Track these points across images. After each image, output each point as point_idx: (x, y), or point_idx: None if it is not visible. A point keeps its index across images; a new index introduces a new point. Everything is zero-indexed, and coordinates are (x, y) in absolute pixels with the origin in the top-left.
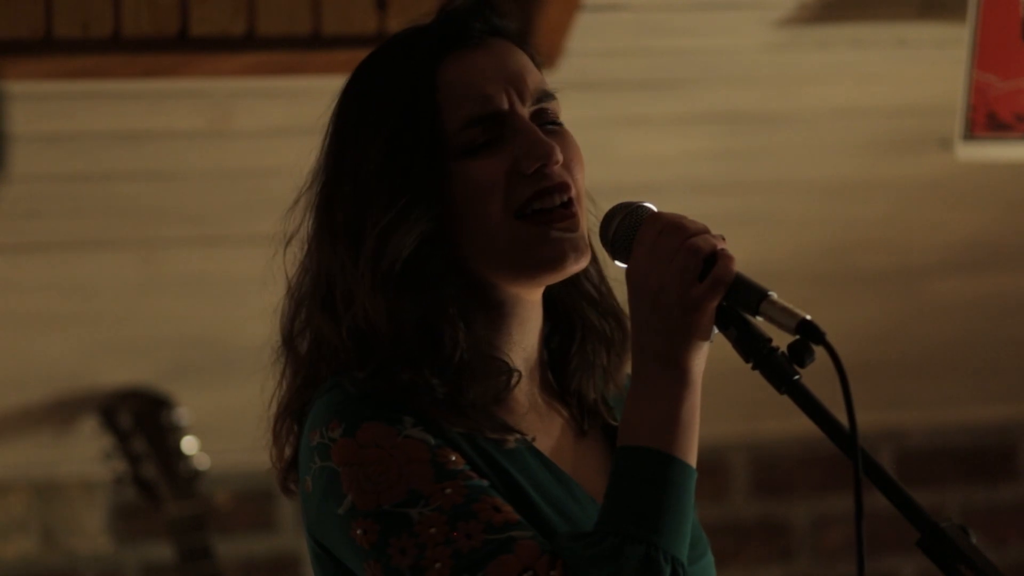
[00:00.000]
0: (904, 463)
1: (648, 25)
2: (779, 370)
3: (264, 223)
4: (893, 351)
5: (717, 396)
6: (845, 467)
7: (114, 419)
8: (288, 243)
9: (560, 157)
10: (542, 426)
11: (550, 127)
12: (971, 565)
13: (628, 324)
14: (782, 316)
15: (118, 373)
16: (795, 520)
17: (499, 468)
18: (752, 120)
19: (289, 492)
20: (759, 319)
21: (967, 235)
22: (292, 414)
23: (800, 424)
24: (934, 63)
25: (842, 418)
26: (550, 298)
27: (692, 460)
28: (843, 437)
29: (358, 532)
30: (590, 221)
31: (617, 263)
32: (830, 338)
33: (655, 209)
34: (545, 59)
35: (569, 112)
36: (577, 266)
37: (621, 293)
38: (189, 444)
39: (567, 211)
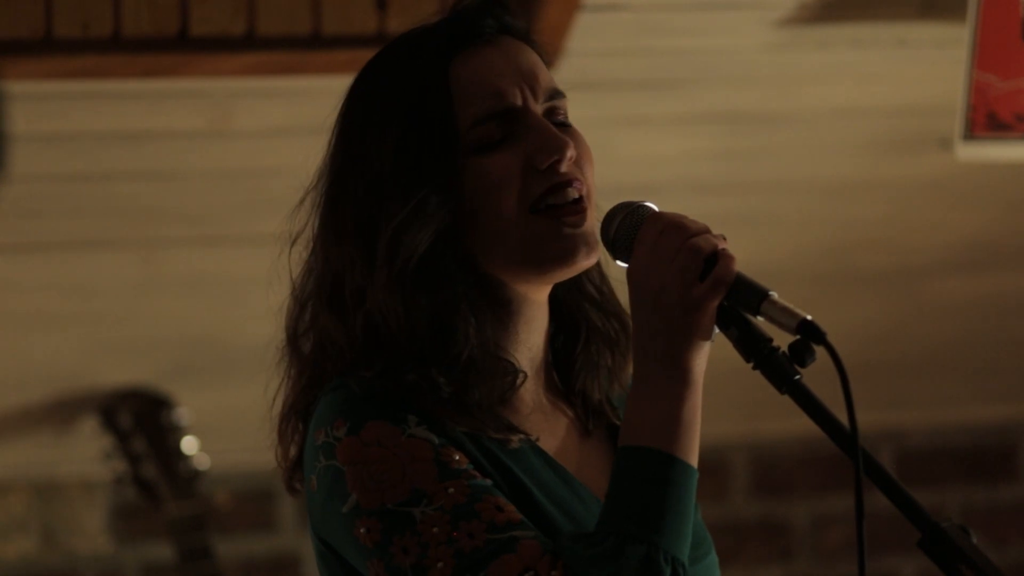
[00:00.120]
0: (904, 463)
1: (648, 25)
2: (780, 370)
3: (264, 223)
4: (893, 351)
5: (717, 396)
6: (845, 467)
7: (114, 419)
8: (293, 243)
9: (573, 152)
10: (547, 426)
11: (561, 125)
12: (972, 565)
13: (630, 324)
14: (783, 316)
15: (118, 373)
16: (795, 520)
17: (503, 467)
18: (752, 120)
19: (294, 491)
20: (760, 319)
21: (967, 235)
22: (297, 414)
23: (800, 424)
24: (934, 63)
25: (842, 418)
26: (554, 299)
27: (693, 460)
28: (844, 437)
29: (361, 531)
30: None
31: (618, 263)
32: (830, 338)
33: (656, 209)
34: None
35: (569, 112)
36: (587, 261)
37: (622, 293)
38: (189, 444)
39: (578, 206)
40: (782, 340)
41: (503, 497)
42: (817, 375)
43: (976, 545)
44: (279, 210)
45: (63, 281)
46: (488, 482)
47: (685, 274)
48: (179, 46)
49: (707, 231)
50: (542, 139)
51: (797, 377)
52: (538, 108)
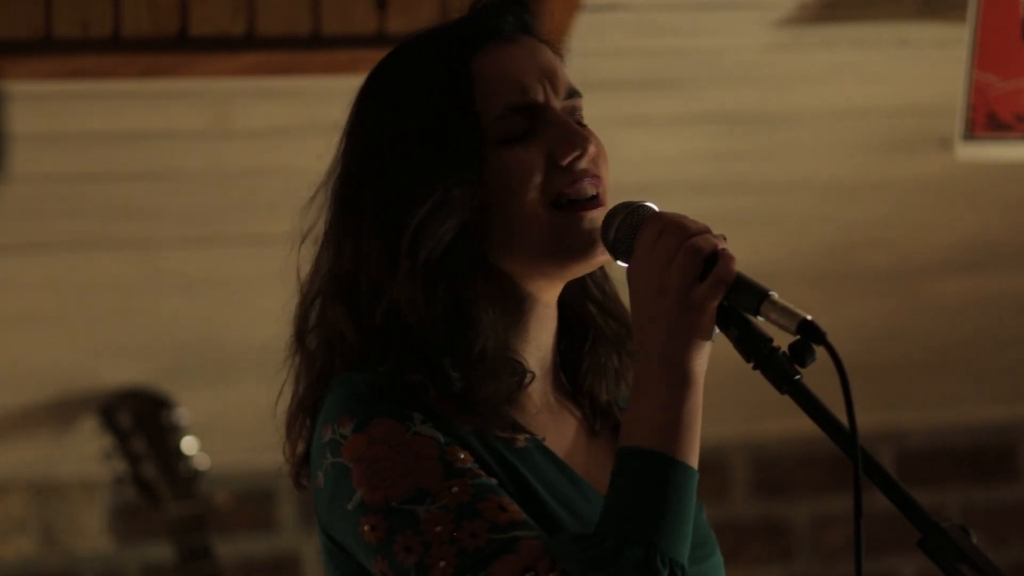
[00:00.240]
0: (904, 463)
1: (648, 25)
2: (780, 370)
3: (264, 223)
4: (893, 351)
5: (717, 396)
6: (845, 467)
7: (114, 419)
8: (304, 239)
9: (594, 149)
10: (554, 426)
11: (578, 124)
12: (972, 565)
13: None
14: (783, 316)
15: (118, 373)
16: (795, 520)
17: (509, 466)
18: (752, 120)
19: (301, 487)
20: (760, 319)
21: (967, 235)
22: (305, 410)
23: (800, 424)
24: (934, 63)
25: (842, 418)
26: (560, 302)
27: (693, 461)
28: (844, 437)
29: (366, 528)
30: None
31: (619, 263)
32: (830, 338)
33: (656, 209)
34: None
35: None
36: (604, 257)
37: (624, 293)
38: (189, 444)
39: (596, 202)
40: (782, 340)
41: (507, 496)
42: (817, 375)
43: (976, 545)
44: (279, 210)
45: (63, 281)
46: (493, 481)
47: (685, 274)
48: (179, 46)
49: (707, 231)
50: (564, 134)
51: (797, 377)
52: (558, 105)
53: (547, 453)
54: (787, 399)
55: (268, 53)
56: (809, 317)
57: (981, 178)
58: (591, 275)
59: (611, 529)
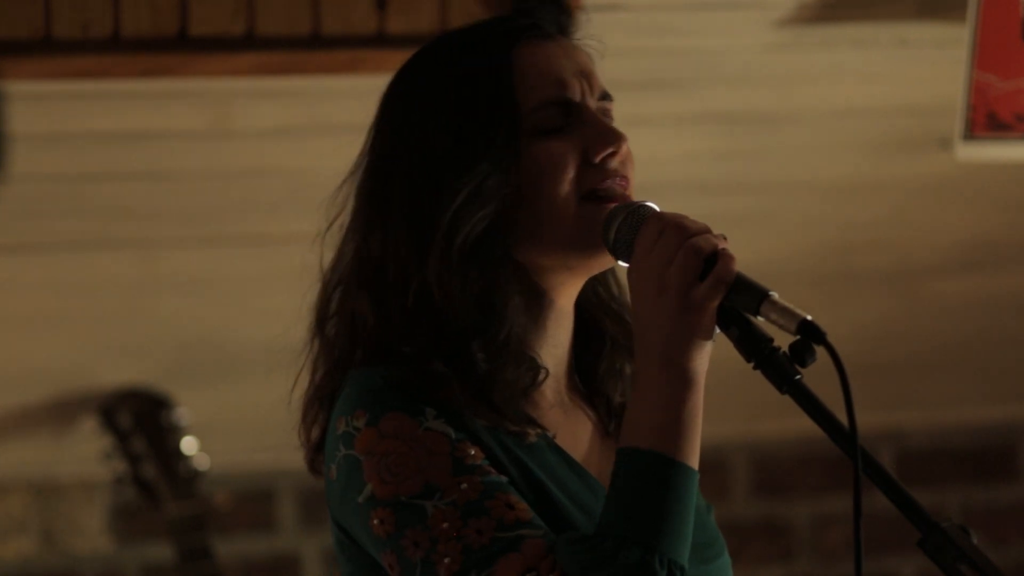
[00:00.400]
0: (904, 463)
1: (648, 25)
2: (780, 370)
3: (263, 223)
4: (893, 351)
5: (717, 396)
6: (845, 467)
7: (114, 419)
8: (328, 228)
9: (626, 148)
10: (566, 424)
11: None
12: (972, 565)
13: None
14: (783, 316)
15: (118, 373)
16: (795, 520)
17: (520, 462)
18: (752, 120)
19: (317, 472)
20: (760, 319)
21: (967, 235)
22: (321, 399)
23: (800, 424)
24: (934, 63)
25: (843, 418)
26: (581, 311)
27: (694, 461)
28: (844, 437)
29: (375, 521)
30: None
31: (619, 263)
32: (830, 338)
33: (657, 209)
34: None
35: None
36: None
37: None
38: (189, 444)
39: (623, 200)
40: (782, 340)
41: (516, 494)
42: (817, 375)
43: (976, 545)
44: (279, 210)
45: (63, 281)
46: (503, 479)
47: (685, 274)
48: (179, 46)
49: (707, 231)
50: (599, 132)
51: (798, 377)
52: (593, 105)
53: (558, 450)
54: (787, 399)
55: (268, 53)
56: (809, 317)
57: (981, 178)
58: (607, 288)
59: (610, 530)
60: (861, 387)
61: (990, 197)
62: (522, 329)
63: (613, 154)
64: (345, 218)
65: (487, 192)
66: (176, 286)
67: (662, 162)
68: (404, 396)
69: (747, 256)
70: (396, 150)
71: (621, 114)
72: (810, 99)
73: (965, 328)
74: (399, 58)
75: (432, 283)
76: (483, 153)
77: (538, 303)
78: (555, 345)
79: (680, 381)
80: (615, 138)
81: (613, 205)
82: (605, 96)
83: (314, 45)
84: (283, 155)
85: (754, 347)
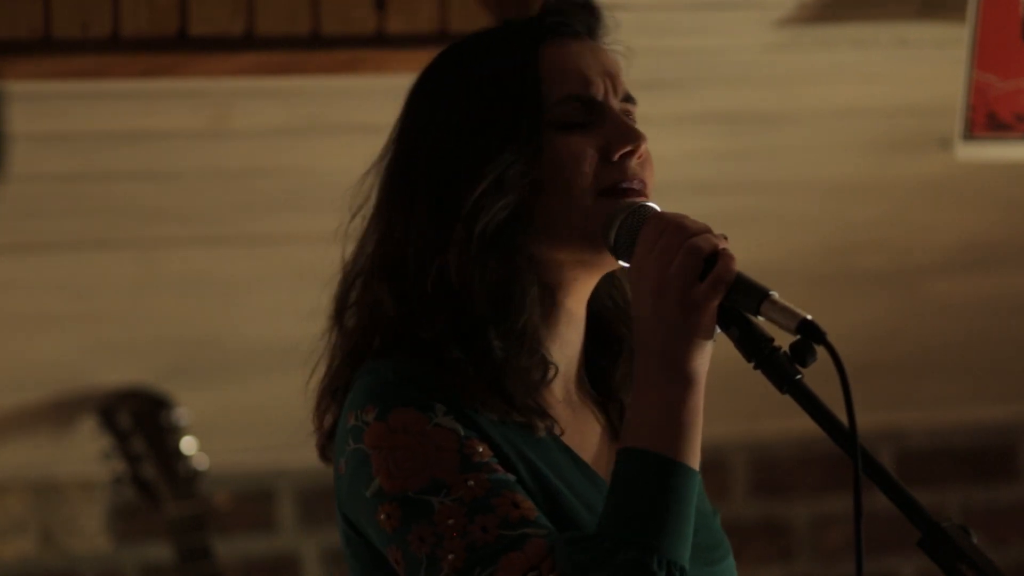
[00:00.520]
0: (904, 463)
1: (648, 25)
2: (781, 370)
3: (263, 223)
4: (893, 351)
5: (717, 396)
6: (845, 467)
7: (113, 419)
8: (353, 217)
9: (645, 148)
10: (575, 423)
11: None
12: (972, 565)
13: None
14: (783, 316)
15: (117, 373)
16: (795, 520)
17: (527, 460)
18: (752, 120)
19: (327, 460)
20: (760, 319)
21: (967, 235)
22: (335, 389)
23: (800, 424)
24: (934, 63)
25: (843, 418)
26: (598, 317)
27: (694, 462)
28: (844, 437)
29: (382, 516)
30: None
31: (620, 263)
32: (830, 338)
33: (657, 208)
34: None
35: None
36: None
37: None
38: (188, 444)
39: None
40: (783, 340)
41: (522, 493)
42: (817, 375)
43: (976, 545)
44: (278, 210)
45: (62, 281)
46: (510, 477)
47: (685, 274)
48: (178, 46)
49: (708, 231)
50: (619, 130)
51: (798, 377)
52: (617, 105)
53: (564, 448)
54: (787, 399)
55: (268, 53)
56: (809, 317)
57: (981, 178)
58: (622, 294)
59: (609, 530)
60: (861, 387)
61: (990, 197)
62: (537, 324)
63: (632, 153)
64: (367, 211)
65: (508, 182)
66: (176, 286)
67: (662, 162)
68: (414, 391)
69: (747, 256)
70: (421, 141)
71: None
72: (810, 99)
73: (965, 328)
74: (399, 58)
75: (451, 270)
76: (506, 144)
77: (550, 303)
78: (565, 345)
79: (680, 381)
80: (635, 137)
81: (626, 200)
82: (628, 99)
83: (314, 45)
84: (283, 155)
85: (754, 347)
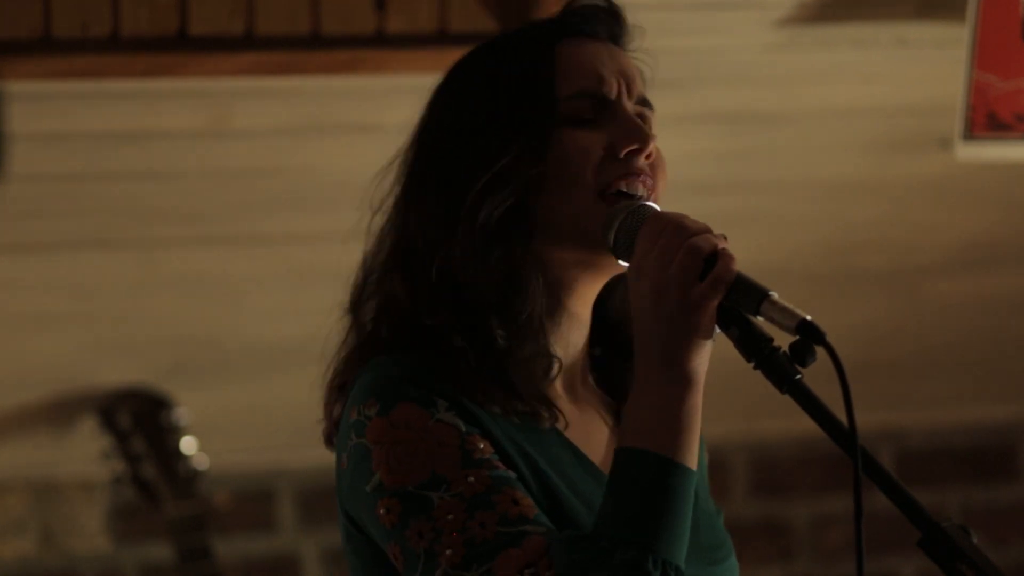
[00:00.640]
0: (904, 463)
1: (648, 25)
2: (781, 370)
3: (263, 223)
4: (893, 351)
5: (717, 396)
6: (845, 467)
7: (113, 419)
8: (375, 213)
9: (655, 148)
10: (580, 420)
11: None
12: (972, 565)
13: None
14: (783, 316)
15: (117, 373)
16: (795, 520)
17: (528, 457)
18: (752, 120)
19: (333, 446)
20: (760, 319)
21: (967, 235)
22: (344, 383)
23: (800, 424)
24: (934, 63)
25: (843, 418)
26: (603, 319)
27: (691, 462)
28: (844, 437)
29: (381, 511)
30: None
31: (620, 263)
32: (830, 338)
33: (657, 208)
34: None
35: None
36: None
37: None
38: (188, 444)
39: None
40: (782, 340)
41: (523, 490)
42: (817, 375)
43: (976, 545)
44: (278, 210)
45: (62, 281)
46: (511, 474)
47: (685, 274)
48: (178, 46)
49: (708, 231)
50: (627, 128)
51: (798, 377)
52: (629, 107)
53: (568, 444)
54: (787, 399)
55: (267, 53)
56: (808, 317)
57: (981, 178)
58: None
59: (605, 530)
60: (861, 387)
61: (990, 197)
62: (542, 318)
63: (639, 151)
64: (388, 207)
65: (513, 174)
66: (176, 286)
67: None
68: (417, 387)
69: (747, 256)
70: (435, 136)
71: None
72: (810, 99)
73: (965, 328)
74: (399, 58)
75: (455, 261)
76: (514, 136)
77: (553, 302)
78: (567, 344)
79: (679, 381)
80: (642, 136)
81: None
82: (645, 103)
83: (314, 45)
84: (283, 155)
85: (754, 347)
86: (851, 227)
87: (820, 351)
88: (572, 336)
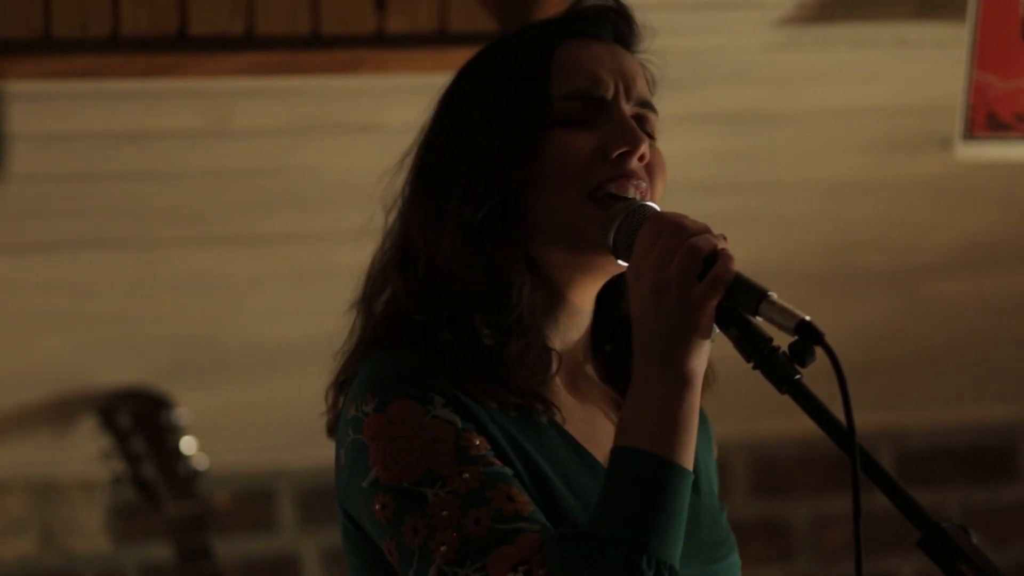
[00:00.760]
0: (904, 463)
1: (655, 31)
2: (780, 370)
3: (263, 223)
4: (893, 351)
5: (717, 396)
6: (845, 467)
7: (113, 419)
8: (389, 212)
9: (647, 152)
10: (582, 414)
11: (646, 135)
12: (972, 565)
13: None
14: (781, 316)
15: (117, 373)
16: (795, 520)
17: (524, 453)
18: (752, 120)
19: (334, 435)
20: (759, 319)
21: (967, 235)
22: (345, 380)
23: (800, 424)
24: (934, 63)
25: (842, 418)
26: (614, 314)
27: (688, 462)
28: (843, 437)
29: (377, 507)
30: None
31: (619, 263)
32: (829, 338)
33: (657, 208)
34: None
35: None
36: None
37: None
38: (188, 444)
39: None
40: (781, 340)
41: (518, 487)
42: (817, 375)
43: (976, 545)
44: (278, 210)
45: (62, 281)
46: (507, 470)
47: (684, 274)
48: (178, 46)
49: (707, 231)
50: (620, 129)
51: (797, 377)
52: (627, 109)
53: (567, 438)
54: (787, 399)
55: (267, 53)
56: (807, 318)
57: (981, 178)
58: None
59: (599, 528)
60: (861, 387)
61: (990, 197)
62: (535, 314)
63: (629, 153)
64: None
65: (501, 174)
66: (176, 286)
67: None
68: (414, 383)
69: (747, 256)
70: (436, 134)
71: None
72: (810, 99)
73: (965, 328)
74: (399, 58)
75: (442, 255)
76: (504, 136)
77: (551, 297)
78: (567, 339)
79: (676, 381)
80: (634, 138)
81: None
82: (646, 105)
83: (313, 45)
84: (283, 155)
85: (753, 347)
86: (851, 227)
87: (819, 351)
88: (571, 329)
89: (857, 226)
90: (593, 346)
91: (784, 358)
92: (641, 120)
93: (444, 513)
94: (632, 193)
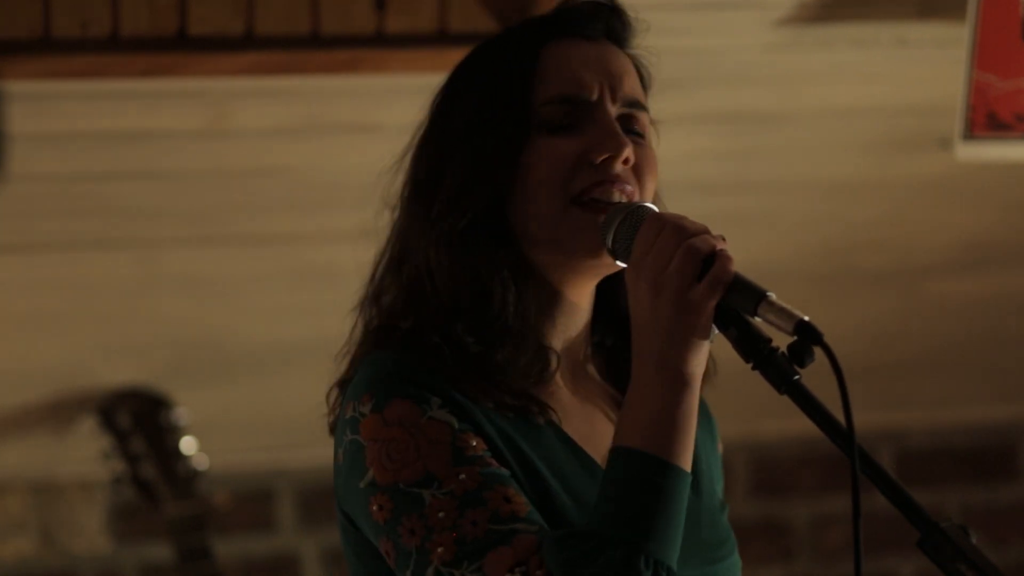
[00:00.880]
0: (904, 463)
1: (648, 25)
2: (779, 370)
3: (263, 223)
4: (893, 351)
5: (718, 396)
6: (845, 467)
7: (113, 419)
8: (394, 210)
9: (631, 157)
10: (581, 413)
11: (634, 135)
12: (971, 565)
13: None
14: (780, 317)
15: (117, 373)
16: (795, 520)
17: (521, 453)
18: (752, 120)
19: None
20: (758, 320)
21: (967, 235)
22: (346, 381)
23: (800, 424)
24: (934, 63)
25: (842, 418)
26: (617, 311)
27: (686, 463)
28: (842, 437)
29: (374, 507)
30: None
31: (618, 263)
32: (829, 338)
33: (656, 209)
34: None
35: None
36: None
37: None
38: (188, 444)
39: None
40: (781, 341)
41: (515, 487)
42: (817, 375)
43: (976, 545)
44: (278, 210)
45: (63, 281)
46: (504, 471)
47: (683, 274)
48: (178, 46)
49: (706, 231)
50: (603, 135)
51: (796, 377)
52: (613, 110)
53: (565, 438)
54: (787, 399)
55: (267, 53)
56: (806, 318)
57: (981, 178)
58: None
59: (597, 528)
60: (861, 387)
61: (990, 197)
62: (525, 317)
63: (612, 158)
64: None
65: (483, 179)
66: (176, 286)
67: (662, 162)
68: (412, 384)
69: (747, 256)
70: (426, 141)
71: None
72: (810, 99)
73: (965, 328)
74: (398, 58)
75: (428, 263)
76: (488, 145)
77: (547, 295)
78: (566, 337)
79: (675, 382)
80: (616, 144)
81: (602, 217)
82: (634, 104)
83: (313, 45)
84: (283, 155)
85: (752, 348)
86: (851, 227)
87: (818, 351)
88: (570, 327)
89: (857, 226)
90: (594, 342)
91: (783, 359)
92: (628, 120)
93: (441, 514)
94: (617, 197)
